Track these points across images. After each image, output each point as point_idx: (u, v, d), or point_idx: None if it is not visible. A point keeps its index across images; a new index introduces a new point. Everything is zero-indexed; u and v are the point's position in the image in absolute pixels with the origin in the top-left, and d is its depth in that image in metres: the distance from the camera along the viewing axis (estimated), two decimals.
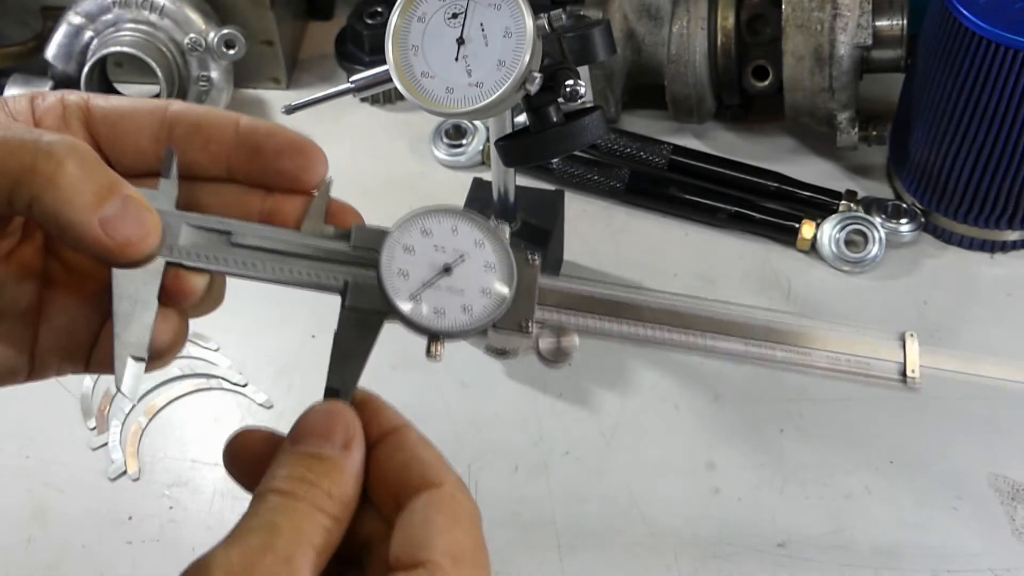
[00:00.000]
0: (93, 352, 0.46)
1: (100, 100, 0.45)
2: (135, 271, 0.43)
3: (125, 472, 0.74)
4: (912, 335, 0.47)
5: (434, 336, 0.45)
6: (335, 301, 0.88)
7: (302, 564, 0.36)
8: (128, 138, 0.45)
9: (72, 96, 0.45)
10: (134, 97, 0.44)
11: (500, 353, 0.46)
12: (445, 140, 0.95)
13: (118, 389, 0.43)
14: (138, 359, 0.44)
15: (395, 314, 0.45)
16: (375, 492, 0.41)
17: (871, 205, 0.87)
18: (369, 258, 0.46)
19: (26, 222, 0.44)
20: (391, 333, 0.85)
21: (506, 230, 0.46)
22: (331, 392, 0.45)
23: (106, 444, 0.75)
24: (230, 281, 0.88)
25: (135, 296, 0.44)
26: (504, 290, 0.44)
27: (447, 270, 0.45)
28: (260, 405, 0.78)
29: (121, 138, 0.45)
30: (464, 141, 0.94)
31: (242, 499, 0.76)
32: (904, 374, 0.47)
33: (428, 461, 0.41)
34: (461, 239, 0.46)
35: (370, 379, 0.82)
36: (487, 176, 0.78)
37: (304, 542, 0.37)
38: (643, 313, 0.45)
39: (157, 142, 0.45)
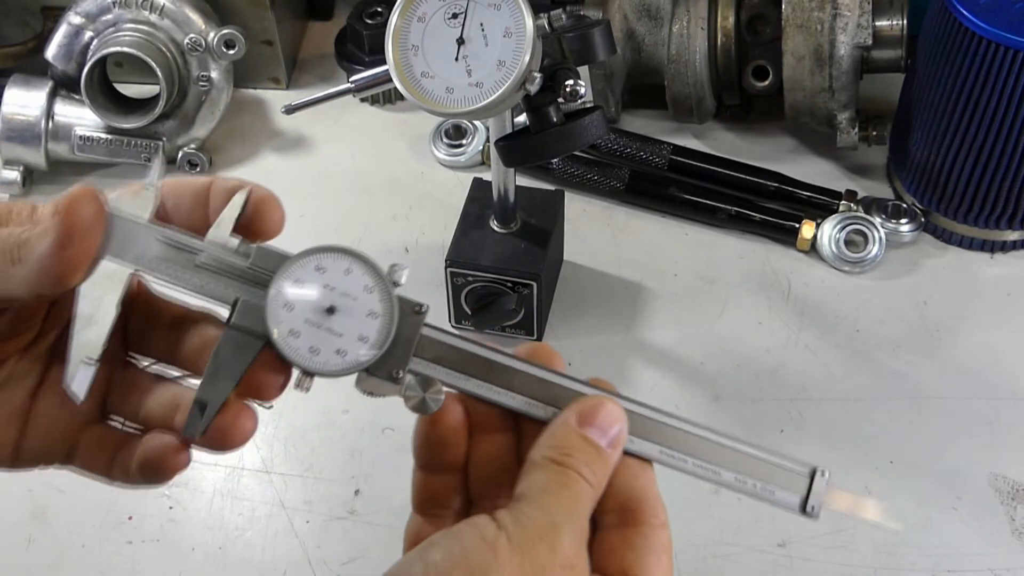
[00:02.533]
0: (76, 453, 0.48)
1: None
2: (99, 277, 0.45)
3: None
4: (823, 473, 0.50)
5: (306, 372, 0.46)
6: None
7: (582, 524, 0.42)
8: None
9: None
10: None
11: (369, 393, 0.46)
12: (445, 140, 0.95)
13: (67, 388, 0.44)
14: (89, 362, 0.44)
15: (271, 344, 0.45)
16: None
17: (871, 205, 0.87)
18: (263, 280, 0.46)
19: (44, 319, 0.47)
20: None
21: (403, 274, 0.46)
22: (198, 405, 0.45)
23: None
24: None
25: (98, 299, 0.45)
26: (381, 340, 0.45)
27: (331, 311, 0.45)
28: (260, 405, 0.78)
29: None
30: (464, 141, 0.94)
31: (241, 500, 0.76)
32: (804, 508, 0.51)
33: (653, 498, 0.45)
34: (352, 282, 0.46)
35: None
36: (487, 176, 0.78)
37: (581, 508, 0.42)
38: (513, 381, 0.46)
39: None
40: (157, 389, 0.48)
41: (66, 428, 0.47)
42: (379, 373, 0.46)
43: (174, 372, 0.49)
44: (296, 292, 0.45)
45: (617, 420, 0.45)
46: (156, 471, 0.47)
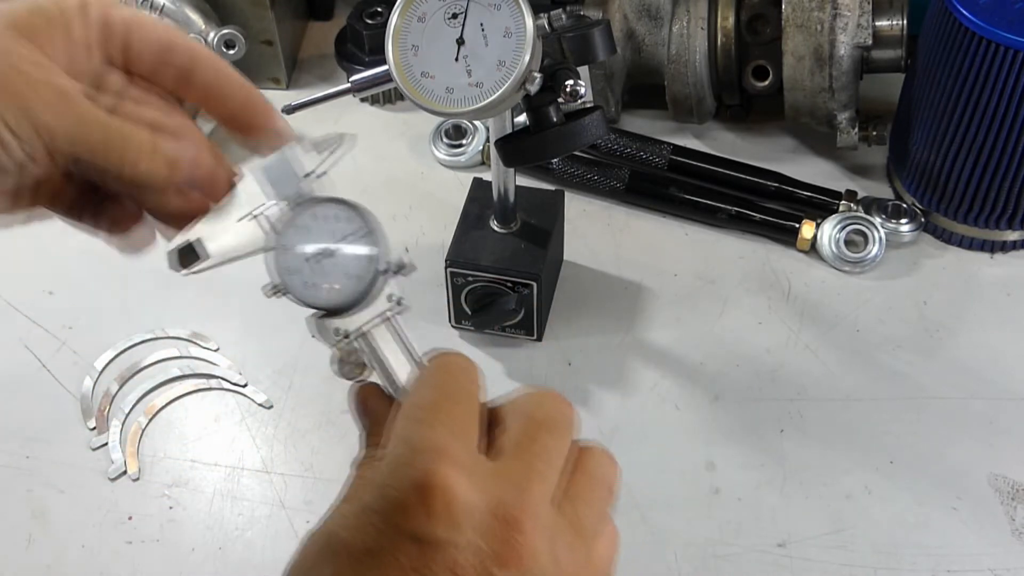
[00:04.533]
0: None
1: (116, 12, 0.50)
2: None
3: (125, 472, 0.74)
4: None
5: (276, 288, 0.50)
6: None
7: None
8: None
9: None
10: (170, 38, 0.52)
11: (312, 333, 0.50)
12: (445, 140, 0.95)
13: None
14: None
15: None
16: None
17: (871, 205, 0.87)
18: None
19: None
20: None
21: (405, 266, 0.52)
22: None
23: (106, 444, 0.75)
24: (229, 280, 0.88)
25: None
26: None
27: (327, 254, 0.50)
28: (260, 405, 0.78)
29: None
30: (464, 141, 0.94)
31: (241, 500, 0.76)
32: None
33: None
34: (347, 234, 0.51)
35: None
36: (487, 176, 0.78)
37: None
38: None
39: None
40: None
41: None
42: (330, 323, 0.50)
43: None
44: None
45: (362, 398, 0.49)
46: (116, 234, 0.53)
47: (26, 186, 0.49)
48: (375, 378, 0.50)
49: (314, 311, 0.50)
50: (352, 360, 0.50)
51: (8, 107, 0.46)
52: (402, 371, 0.50)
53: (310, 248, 0.50)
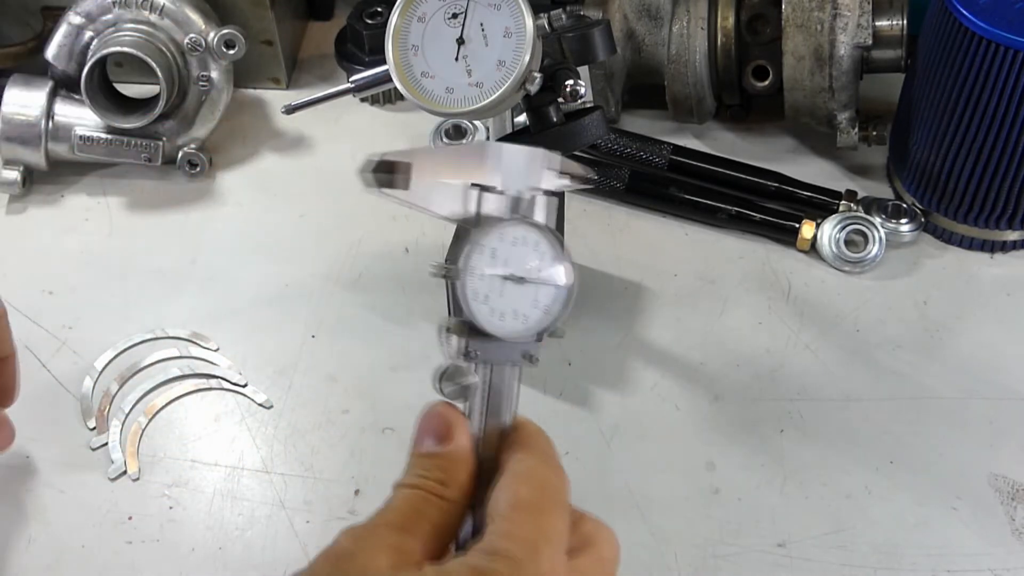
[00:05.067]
0: None
1: None
2: None
3: (125, 472, 0.74)
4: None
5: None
6: (333, 301, 0.89)
7: (417, 534, 0.46)
8: None
9: None
10: None
11: (446, 344, 0.49)
12: (445, 140, 0.95)
13: None
14: None
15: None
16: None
17: (871, 205, 0.87)
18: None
19: None
20: (390, 335, 0.85)
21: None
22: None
23: (106, 444, 0.75)
24: (229, 280, 0.88)
25: None
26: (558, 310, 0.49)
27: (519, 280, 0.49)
28: (260, 405, 0.78)
29: None
30: (464, 141, 0.94)
31: (241, 500, 0.76)
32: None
33: (525, 440, 0.49)
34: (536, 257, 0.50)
35: (370, 380, 0.82)
36: None
37: (422, 519, 0.46)
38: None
39: None
40: None
41: None
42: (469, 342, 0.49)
43: None
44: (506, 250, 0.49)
45: (437, 420, 0.48)
46: None
47: None
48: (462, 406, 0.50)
49: (460, 322, 0.49)
50: (458, 380, 0.48)
51: None
52: (497, 417, 0.49)
53: (510, 273, 0.48)
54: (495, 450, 0.49)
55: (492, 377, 0.49)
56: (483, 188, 0.49)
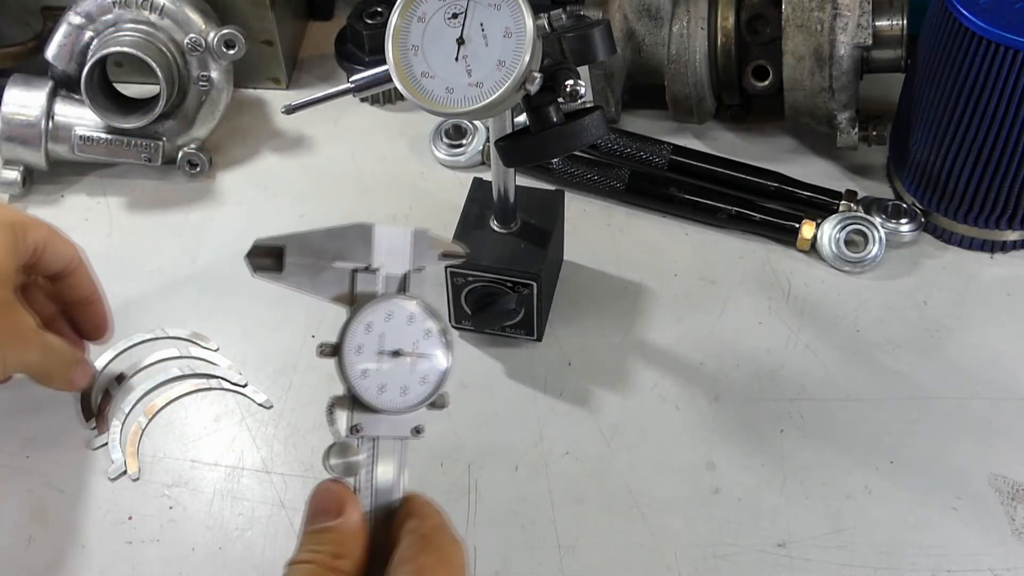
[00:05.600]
0: None
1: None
2: None
3: (125, 472, 0.74)
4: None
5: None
6: None
7: None
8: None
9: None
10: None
11: (331, 422, 0.51)
12: (445, 140, 0.95)
13: None
14: None
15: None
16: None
17: (871, 205, 0.87)
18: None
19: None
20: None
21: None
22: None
23: (106, 444, 0.75)
24: (229, 280, 0.88)
25: None
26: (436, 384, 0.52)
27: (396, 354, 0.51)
28: (260, 405, 0.78)
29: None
30: (464, 141, 0.94)
31: (241, 500, 0.76)
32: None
33: (417, 511, 0.51)
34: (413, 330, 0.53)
35: None
36: (487, 176, 0.78)
37: None
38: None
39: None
40: None
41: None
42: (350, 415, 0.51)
43: None
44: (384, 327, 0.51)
45: (327, 495, 0.50)
46: None
47: None
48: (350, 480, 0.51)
49: (343, 398, 0.51)
50: (345, 457, 0.50)
51: None
52: (387, 491, 0.51)
53: (387, 348, 0.51)
54: (387, 525, 0.51)
55: (379, 451, 0.51)
56: (358, 269, 0.51)
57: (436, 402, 0.52)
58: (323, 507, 0.50)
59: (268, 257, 0.51)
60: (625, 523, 0.71)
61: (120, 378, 0.79)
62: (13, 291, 0.70)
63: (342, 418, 0.51)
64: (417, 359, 0.51)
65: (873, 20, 0.84)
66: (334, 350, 0.51)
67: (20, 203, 0.93)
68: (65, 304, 0.76)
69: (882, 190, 0.91)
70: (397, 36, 0.62)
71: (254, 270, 0.51)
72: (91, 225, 0.91)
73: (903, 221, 0.86)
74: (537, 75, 0.60)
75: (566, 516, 0.71)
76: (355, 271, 0.52)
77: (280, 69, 1.01)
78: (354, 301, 0.51)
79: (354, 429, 0.51)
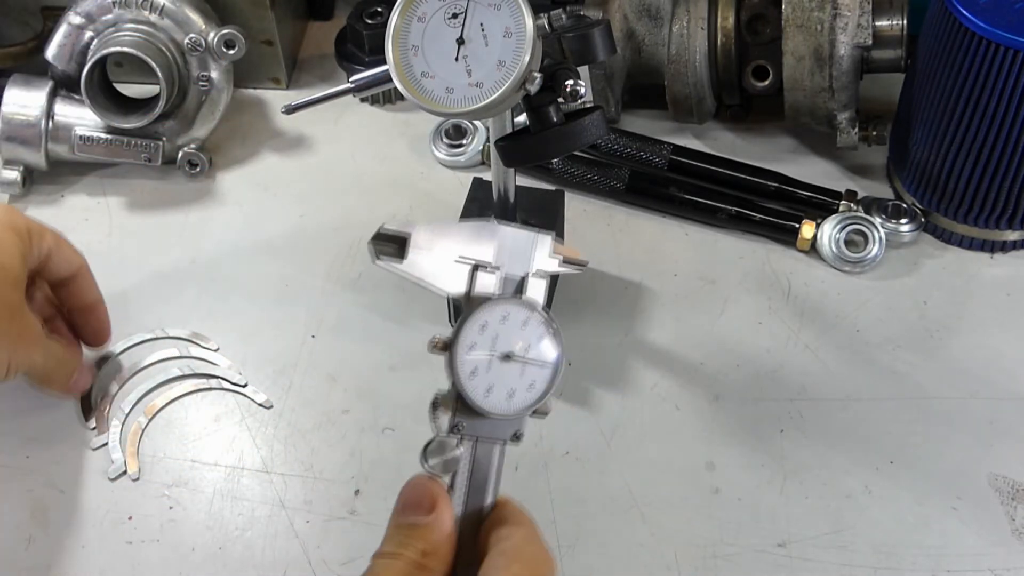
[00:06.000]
0: None
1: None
2: None
3: (125, 472, 0.74)
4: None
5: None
6: (333, 301, 0.89)
7: None
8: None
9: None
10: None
11: (434, 418, 0.51)
12: (445, 140, 0.95)
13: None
14: None
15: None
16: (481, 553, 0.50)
17: (871, 205, 0.87)
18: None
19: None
20: (390, 334, 0.85)
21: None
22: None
23: (106, 444, 0.75)
24: (229, 280, 0.88)
25: None
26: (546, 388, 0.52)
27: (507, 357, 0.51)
28: (260, 405, 0.78)
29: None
30: (464, 141, 0.94)
31: (241, 500, 0.76)
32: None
33: (511, 518, 0.50)
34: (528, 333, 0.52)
35: (370, 380, 0.82)
36: (487, 176, 0.78)
37: None
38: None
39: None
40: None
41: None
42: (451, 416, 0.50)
43: None
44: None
45: (421, 491, 0.49)
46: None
47: None
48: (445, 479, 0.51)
49: (448, 395, 0.50)
50: (443, 455, 0.50)
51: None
52: (479, 493, 0.51)
53: (498, 350, 0.50)
54: (475, 528, 0.50)
55: (477, 453, 0.50)
56: (477, 266, 0.51)
57: (539, 409, 0.51)
58: (415, 502, 0.49)
59: (391, 244, 0.50)
60: (625, 523, 0.71)
61: (120, 378, 0.79)
62: (21, 294, 0.70)
63: (445, 416, 0.50)
64: (527, 364, 0.51)
65: (873, 20, 0.84)
66: (447, 345, 0.50)
67: (20, 203, 0.93)
68: (67, 309, 0.77)
69: (882, 190, 0.91)
70: (397, 36, 0.62)
71: (377, 255, 0.50)
72: (91, 225, 0.91)
73: (903, 221, 0.86)
74: (537, 75, 0.60)
75: (566, 516, 0.71)
76: (475, 268, 0.51)
77: (280, 69, 1.01)
78: (470, 298, 0.51)
79: (455, 428, 0.50)
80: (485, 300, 0.51)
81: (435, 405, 0.50)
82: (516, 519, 0.50)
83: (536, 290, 0.52)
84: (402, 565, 0.47)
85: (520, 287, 0.52)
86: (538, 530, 0.50)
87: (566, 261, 0.55)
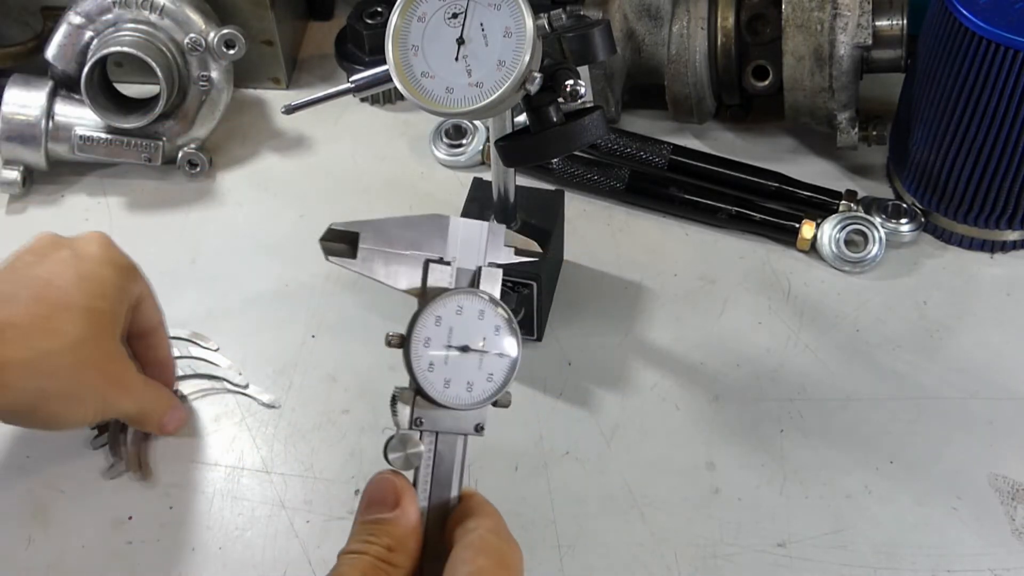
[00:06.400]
0: None
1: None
2: None
3: (124, 472, 0.74)
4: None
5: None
6: (333, 301, 0.89)
7: None
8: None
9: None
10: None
11: (393, 413, 0.51)
12: (445, 140, 0.95)
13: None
14: None
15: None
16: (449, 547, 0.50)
17: (871, 205, 0.87)
18: None
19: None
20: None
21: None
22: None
23: (106, 444, 0.75)
24: (229, 280, 0.88)
25: None
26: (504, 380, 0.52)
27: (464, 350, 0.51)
28: (265, 405, 0.78)
29: None
30: (464, 141, 0.94)
31: (241, 500, 0.76)
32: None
33: (477, 510, 0.50)
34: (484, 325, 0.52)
35: (370, 380, 0.82)
36: (487, 176, 0.78)
37: None
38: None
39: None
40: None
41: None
42: (415, 409, 0.50)
43: None
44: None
45: (385, 487, 0.49)
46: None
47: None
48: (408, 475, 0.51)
49: (407, 390, 0.50)
50: (406, 449, 0.50)
51: (103, 395, 0.68)
52: (444, 487, 0.51)
53: (455, 343, 0.50)
54: (441, 522, 0.50)
55: (439, 447, 0.50)
56: (432, 260, 0.51)
57: (499, 400, 0.52)
58: (379, 498, 0.49)
59: (342, 242, 0.51)
60: (625, 523, 0.71)
61: None
62: (119, 336, 0.69)
63: (404, 410, 0.50)
64: (484, 356, 0.51)
65: (873, 20, 0.84)
66: (402, 340, 0.50)
67: (20, 203, 0.93)
68: (138, 364, 0.74)
69: (882, 190, 0.91)
70: (397, 36, 0.62)
71: (327, 254, 0.51)
72: (91, 225, 0.91)
73: (903, 221, 0.86)
74: (537, 75, 0.60)
75: (566, 516, 0.71)
76: (428, 262, 0.51)
77: (280, 69, 1.01)
78: (425, 292, 0.51)
79: (416, 422, 0.50)
80: (436, 294, 0.50)
81: (394, 400, 0.50)
82: (482, 510, 0.50)
83: (491, 281, 0.52)
84: (368, 560, 0.47)
85: (475, 279, 0.52)
86: (503, 521, 0.50)
87: (519, 251, 0.55)
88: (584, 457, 0.74)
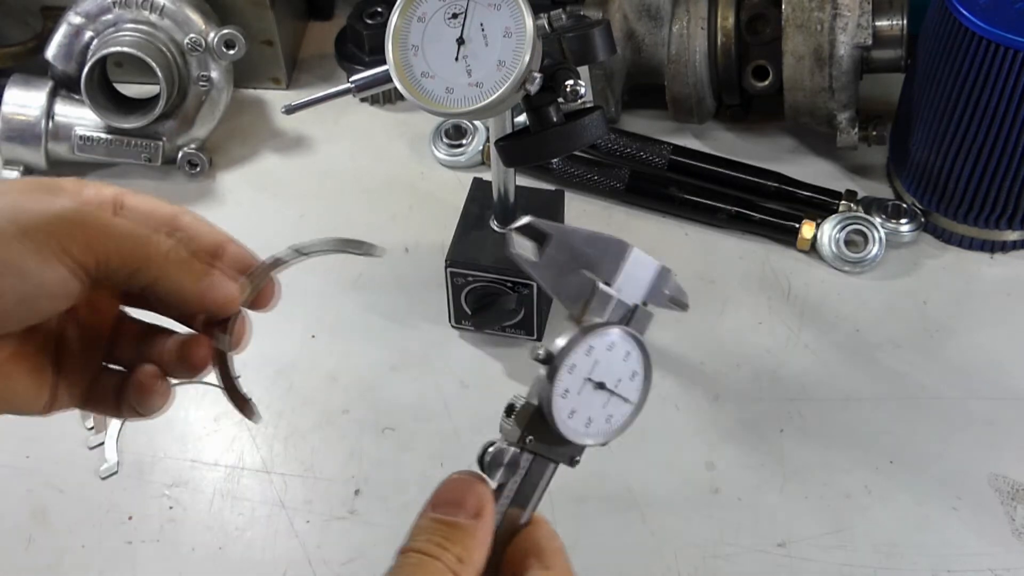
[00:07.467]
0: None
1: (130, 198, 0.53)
2: None
3: (116, 472, 0.74)
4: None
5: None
6: (333, 301, 0.89)
7: None
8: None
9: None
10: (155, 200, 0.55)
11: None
12: (445, 140, 0.95)
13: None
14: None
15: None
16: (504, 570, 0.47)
17: (871, 205, 0.87)
18: None
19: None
20: (390, 334, 0.85)
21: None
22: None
23: (102, 444, 0.75)
24: None
25: None
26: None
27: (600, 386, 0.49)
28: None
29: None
30: (464, 141, 0.94)
31: (241, 500, 0.76)
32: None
33: (546, 550, 0.47)
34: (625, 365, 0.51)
35: (370, 380, 0.82)
36: (487, 176, 0.78)
37: None
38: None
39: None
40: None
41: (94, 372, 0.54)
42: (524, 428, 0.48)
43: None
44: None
45: (468, 490, 0.46)
46: (143, 398, 0.55)
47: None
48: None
49: (529, 406, 0.48)
50: (504, 462, 0.48)
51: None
52: (521, 508, 0.49)
53: (595, 377, 0.49)
54: (503, 543, 0.48)
55: (532, 468, 0.49)
56: (600, 285, 0.49)
57: (604, 442, 0.50)
58: (458, 499, 0.46)
59: (534, 240, 0.49)
60: (625, 523, 0.71)
61: None
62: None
63: (516, 426, 0.48)
64: (612, 398, 0.49)
65: (873, 20, 0.84)
66: (548, 358, 0.48)
67: None
68: None
69: (882, 190, 0.91)
70: (397, 36, 0.62)
71: (513, 247, 0.49)
72: None
73: (903, 221, 0.86)
74: (537, 75, 0.60)
75: (566, 516, 0.71)
76: (596, 287, 0.50)
77: (280, 69, 1.01)
78: (582, 315, 0.49)
79: (524, 439, 0.48)
80: (598, 324, 0.49)
81: (511, 411, 0.48)
82: (551, 556, 0.47)
83: (643, 322, 0.52)
84: (439, 568, 0.43)
85: (628, 316, 0.51)
86: (570, 569, 0.47)
87: (672, 300, 0.54)
88: (584, 457, 0.74)
